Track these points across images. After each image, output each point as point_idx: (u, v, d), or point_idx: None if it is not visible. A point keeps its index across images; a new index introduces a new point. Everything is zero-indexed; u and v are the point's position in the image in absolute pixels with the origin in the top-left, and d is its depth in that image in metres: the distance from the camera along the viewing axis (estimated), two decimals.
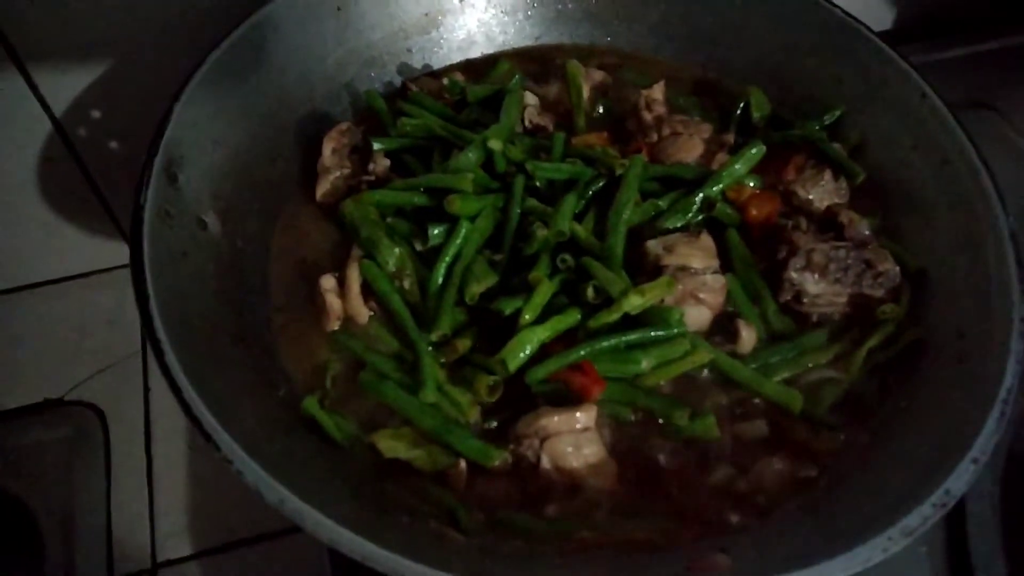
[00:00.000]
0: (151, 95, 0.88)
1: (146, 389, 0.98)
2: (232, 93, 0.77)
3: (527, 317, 0.66)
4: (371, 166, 0.78)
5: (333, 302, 0.71)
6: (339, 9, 0.86)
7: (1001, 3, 1.20)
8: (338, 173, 0.79)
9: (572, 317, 0.68)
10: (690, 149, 0.80)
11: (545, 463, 0.61)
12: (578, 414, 0.62)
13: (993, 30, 1.18)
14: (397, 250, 0.72)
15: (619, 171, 0.76)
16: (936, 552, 0.73)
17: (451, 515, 0.60)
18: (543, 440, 0.61)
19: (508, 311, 0.68)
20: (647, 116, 0.82)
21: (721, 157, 0.80)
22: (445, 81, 0.86)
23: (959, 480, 0.56)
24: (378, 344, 0.70)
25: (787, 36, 0.89)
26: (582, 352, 0.65)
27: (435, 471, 0.63)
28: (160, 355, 0.57)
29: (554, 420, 0.62)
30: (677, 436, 0.65)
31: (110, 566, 0.85)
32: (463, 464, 0.63)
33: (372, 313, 0.72)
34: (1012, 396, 0.61)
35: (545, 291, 0.68)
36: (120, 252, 1.07)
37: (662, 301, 0.67)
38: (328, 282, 0.71)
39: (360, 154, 0.81)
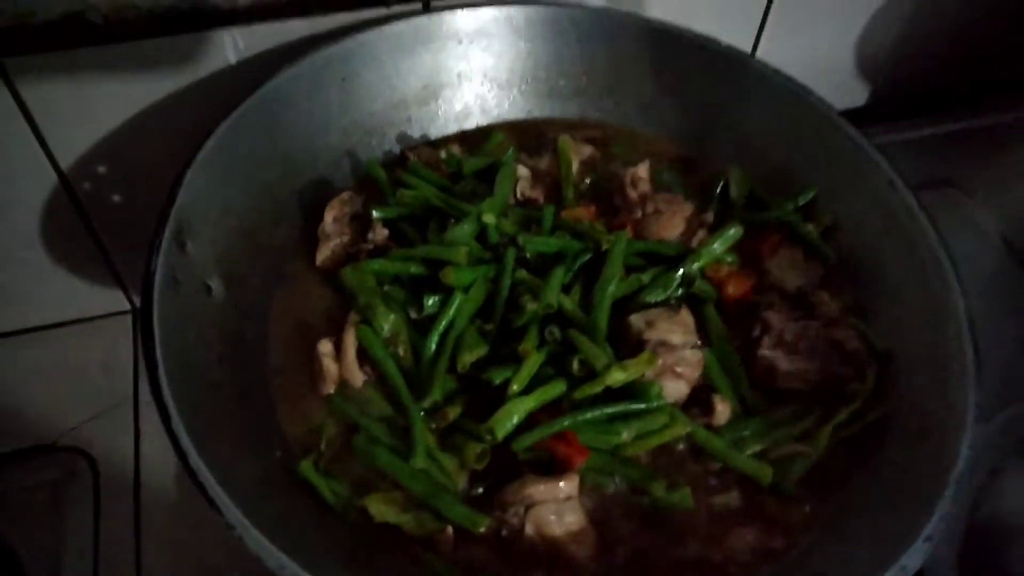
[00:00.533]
0: (155, 154, 0.93)
1: (137, 436, 0.99)
2: (240, 161, 0.81)
3: (515, 388, 0.70)
4: (370, 235, 0.82)
5: (329, 366, 0.74)
6: (343, 80, 0.90)
7: (972, 81, 1.27)
8: (338, 240, 0.83)
9: (558, 388, 0.72)
10: (672, 227, 0.84)
11: (529, 530, 0.65)
12: (561, 484, 0.66)
13: (961, 110, 1.25)
14: (393, 317, 0.75)
15: (605, 246, 0.80)
16: None
17: None
18: (528, 507, 0.65)
19: (498, 381, 0.72)
20: (632, 193, 0.87)
21: (701, 235, 0.85)
22: (443, 154, 0.90)
23: (913, 557, 0.60)
24: (372, 408, 0.74)
25: (766, 121, 0.94)
26: (566, 423, 0.69)
27: (423, 535, 0.65)
28: (167, 420, 0.59)
29: (539, 489, 0.65)
30: (654, 506, 0.69)
31: None
32: (450, 530, 0.65)
33: (367, 378, 0.75)
34: (964, 478, 0.65)
35: (533, 363, 0.72)
36: (115, 299, 1.09)
37: (643, 375, 0.71)
38: (325, 347, 0.75)
39: (360, 222, 0.85)
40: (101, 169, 0.95)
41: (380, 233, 0.83)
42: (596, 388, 0.70)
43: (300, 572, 0.54)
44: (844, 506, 0.69)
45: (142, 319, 0.64)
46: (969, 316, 0.75)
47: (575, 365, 0.71)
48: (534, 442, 0.69)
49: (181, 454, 0.58)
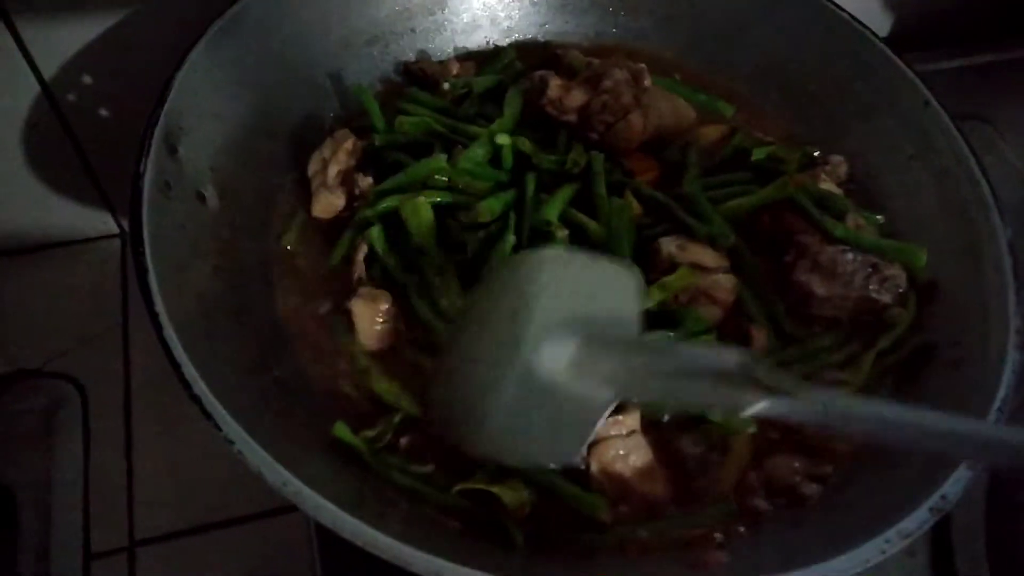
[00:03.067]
0: (144, 66, 0.86)
1: (127, 363, 0.96)
2: (233, 65, 0.75)
3: None
4: (356, 190, 0.75)
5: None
6: None
7: (1002, 13, 1.21)
8: (340, 191, 0.76)
9: None
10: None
11: (594, 469, 0.61)
12: (621, 417, 0.62)
13: (990, 42, 1.19)
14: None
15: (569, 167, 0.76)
16: (921, 560, 0.74)
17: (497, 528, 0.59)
18: (590, 446, 0.61)
19: None
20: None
21: None
22: (446, 86, 0.84)
23: (955, 486, 0.57)
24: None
25: (793, 38, 0.89)
26: None
27: (516, 504, 0.60)
28: (159, 328, 0.55)
29: (601, 426, 0.60)
30: (707, 435, 0.65)
31: (87, 542, 0.83)
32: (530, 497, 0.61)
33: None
34: (1007, 406, 0.62)
35: None
36: (104, 222, 1.05)
37: (676, 299, 0.67)
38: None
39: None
40: (87, 79, 0.89)
41: (364, 182, 0.76)
42: None
43: (303, 488, 0.50)
44: None
45: (131, 224, 0.59)
46: (1010, 242, 0.71)
47: None
48: None
49: (175, 364, 0.53)
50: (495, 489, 0.60)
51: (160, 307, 0.56)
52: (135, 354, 0.96)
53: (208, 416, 0.52)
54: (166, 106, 0.67)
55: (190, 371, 0.54)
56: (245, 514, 0.85)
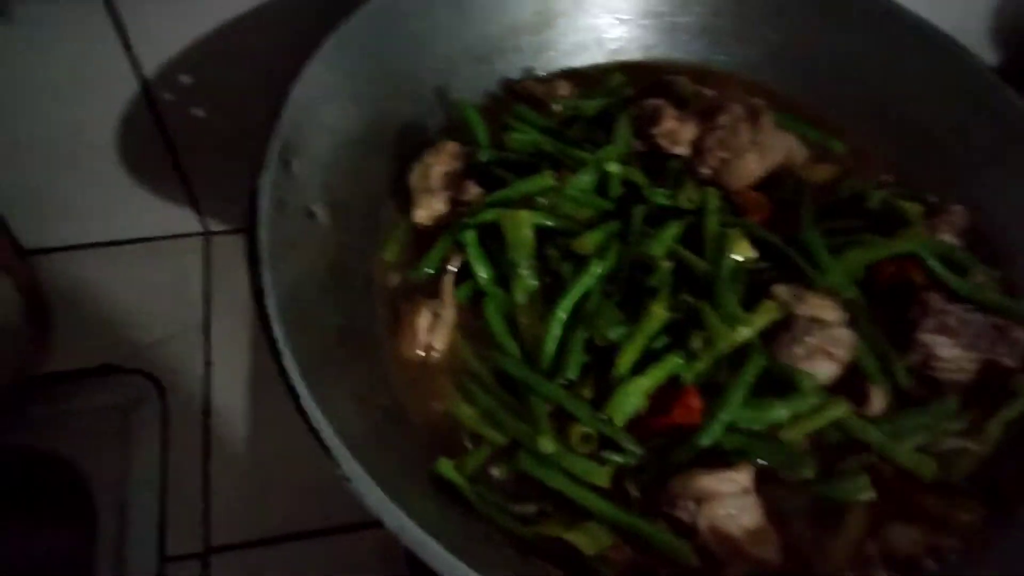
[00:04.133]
0: (242, 70, 0.87)
1: (207, 364, 0.95)
2: (346, 78, 0.74)
3: (622, 367, 0.64)
4: (463, 196, 0.74)
5: (424, 338, 0.68)
6: None
7: None
8: (443, 196, 0.75)
9: (672, 362, 0.65)
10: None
11: (703, 527, 0.58)
12: (734, 474, 0.59)
13: None
14: (535, 283, 0.69)
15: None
16: None
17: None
18: (700, 502, 0.58)
19: (613, 337, 0.65)
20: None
21: None
22: (556, 107, 0.82)
23: None
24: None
25: (911, 76, 0.86)
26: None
27: (598, 552, 0.58)
28: (277, 356, 0.54)
29: (710, 481, 0.58)
30: (820, 499, 0.63)
31: (162, 545, 0.83)
32: (627, 548, 0.59)
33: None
34: None
35: (652, 325, 0.65)
36: (189, 220, 1.05)
37: (791, 353, 0.64)
38: (424, 320, 0.68)
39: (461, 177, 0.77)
40: (185, 79, 0.89)
41: (473, 191, 0.74)
42: (718, 350, 0.64)
43: (421, 536, 0.48)
44: (1014, 510, 0.63)
45: (249, 242, 0.58)
46: None
47: (697, 342, 0.64)
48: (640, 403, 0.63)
49: (293, 394, 0.52)
50: (568, 535, 0.58)
51: (279, 332, 0.55)
52: (216, 355, 0.96)
53: (327, 451, 0.51)
54: (283, 118, 0.66)
55: (307, 401, 0.53)
56: (322, 527, 0.84)
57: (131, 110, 0.90)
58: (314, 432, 0.51)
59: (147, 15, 0.82)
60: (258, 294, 0.57)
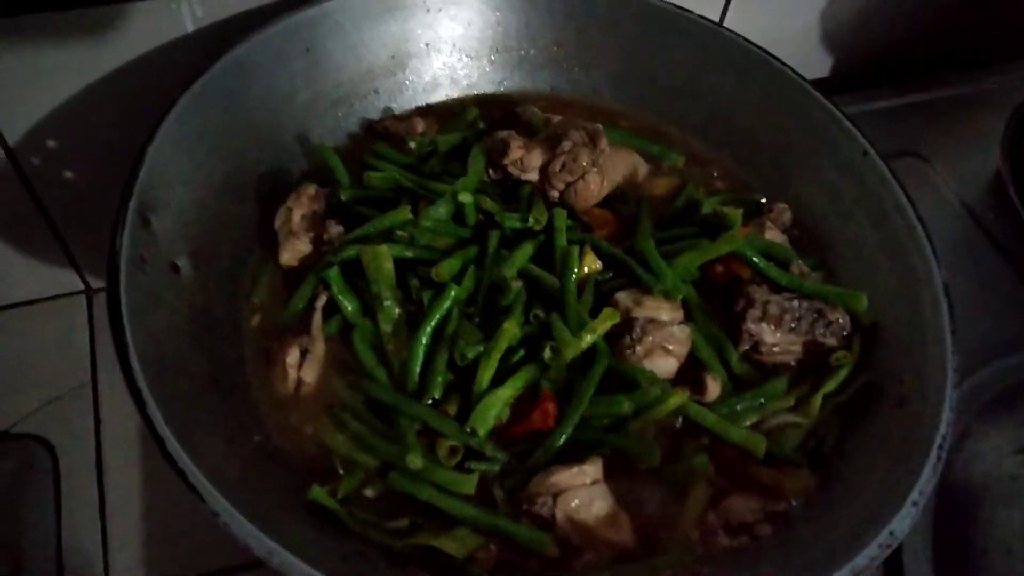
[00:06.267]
0: (108, 128, 0.89)
1: (97, 421, 0.96)
2: (203, 134, 0.77)
3: (482, 383, 0.69)
4: (325, 235, 0.78)
5: (293, 375, 0.71)
6: (308, 50, 0.87)
7: (934, 52, 1.28)
8: (306, 238, 0.78)
9: (529, 374, 0.70)
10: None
11: (560, 518, 0.63)
12: (585, 467, 0.65)
13: (924, 81, 1.27)
14: (399, 311, 0.73)
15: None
16: None
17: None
18: (555, 496, 0.63)
19: (471, 356, 0.70)
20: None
21: None
22: (412, 145, 0.87)
23: (902, 522, 0.61)
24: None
25: (738, 90, 0.94)
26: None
27: (467, 555, 0.63)
28: (141, 406, 0.57)
29: (564, 476, 0.64)
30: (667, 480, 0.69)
31: None
32: (493, 547, 0.64)
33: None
34: (947, 442, 0.66)
35: (505, 340, 0.70)
36: (68, 280, 1.05)
37: (633, 353, 0.70)
38: (292, 356, 0.72)
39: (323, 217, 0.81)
40: (51, 143, 0.90)
41: (334, 230, 0.78)
42: (566, 359, 0.70)
43: (292, 560, 0.52)
44: (831, 474, 0.70)
45: (109, 301, 0.61)
46: (945, 284, 0.76)
47: (547, 353, 0.70)
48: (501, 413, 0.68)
49: (159, 441, 0.55)
50: (436, 542, 0.63)
51: (142, 383, 0.58)
52: (105, 412, 0.96)
53: (193, 490, 0.54)
54: (139, 180, 0.69)
55: (173, 446, 0.56)
56: (220, 567, 0.86)
57: None
58: (181, 475, 0.54)
59: (4, 85, 0.83)
60: (121, 349, 0.59)
